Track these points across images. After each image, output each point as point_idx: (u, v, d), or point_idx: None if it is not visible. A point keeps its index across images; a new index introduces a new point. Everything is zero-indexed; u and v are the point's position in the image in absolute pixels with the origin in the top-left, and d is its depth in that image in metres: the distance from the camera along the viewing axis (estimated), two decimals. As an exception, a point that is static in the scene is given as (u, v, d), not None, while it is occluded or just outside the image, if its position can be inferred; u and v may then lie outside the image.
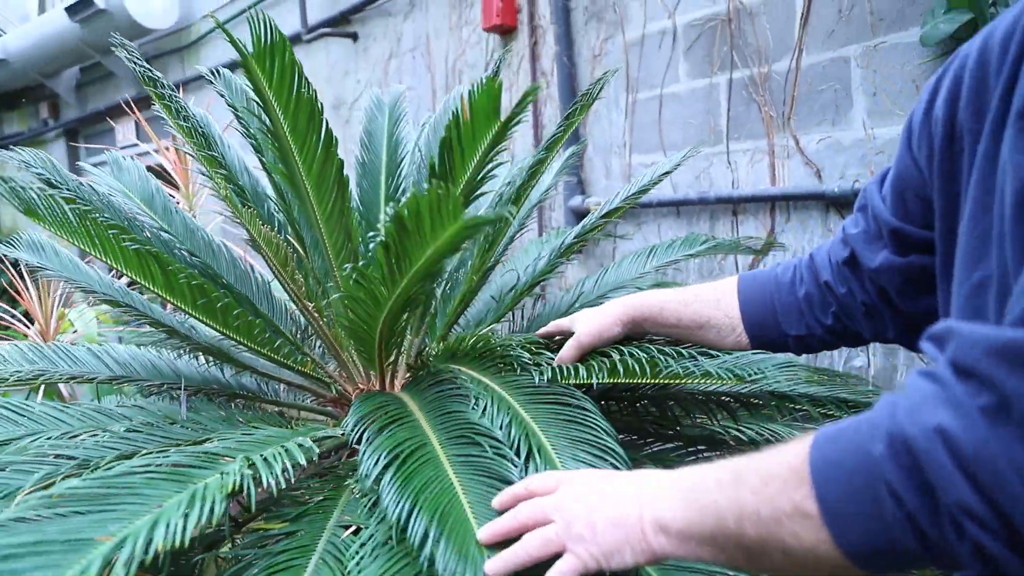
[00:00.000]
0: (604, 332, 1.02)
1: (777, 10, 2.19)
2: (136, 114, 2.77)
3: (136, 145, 6.46)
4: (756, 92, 2.25)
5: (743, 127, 2.29)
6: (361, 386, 1.29)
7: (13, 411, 1.22)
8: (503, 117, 0.99)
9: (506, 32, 3.13)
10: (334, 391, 1.26)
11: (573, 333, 1.04)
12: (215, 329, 1.10)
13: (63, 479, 0.99)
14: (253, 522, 1.09)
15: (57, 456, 1.07)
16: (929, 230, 0.73)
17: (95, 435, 1.13)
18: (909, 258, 0.78)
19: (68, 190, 0.98)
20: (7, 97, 7.49)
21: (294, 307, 1.45)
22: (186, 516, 0.70)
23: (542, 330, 1.13)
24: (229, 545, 1.09)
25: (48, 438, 1.14)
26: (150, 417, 1.22)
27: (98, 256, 0.96)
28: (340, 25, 4.08)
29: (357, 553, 0.84)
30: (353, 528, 0.93)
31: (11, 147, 1.18)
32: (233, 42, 0.98)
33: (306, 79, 0.99)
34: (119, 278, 1.70)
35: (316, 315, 1.26)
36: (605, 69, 2.74)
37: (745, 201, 2.26)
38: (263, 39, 0.94)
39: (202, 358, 1.46)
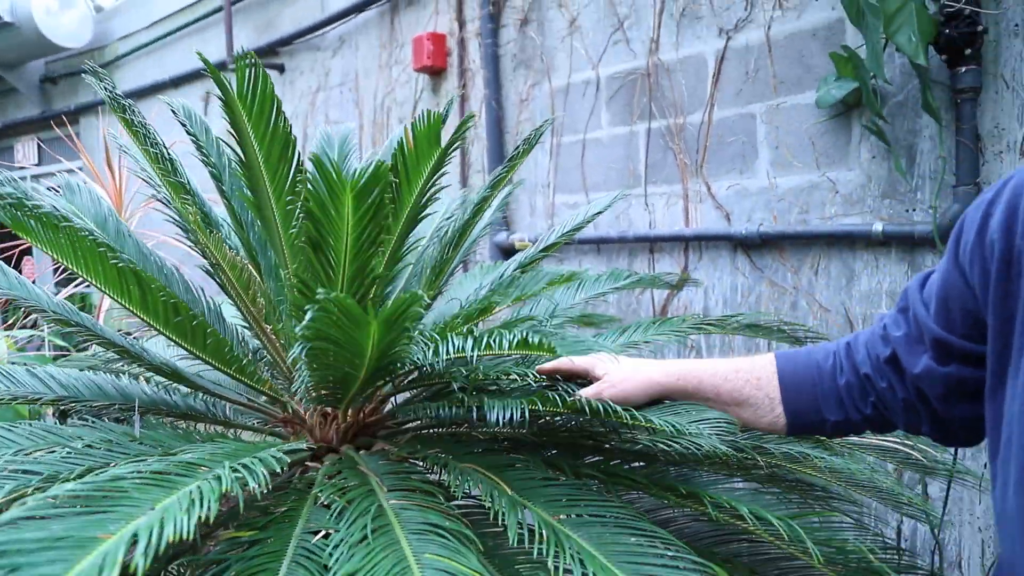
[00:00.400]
0: (630, 397, 0.99)
1: (691, 68, 2.41)
2: (80, 148, 2.71)
3: (37, 165, 6.22)
4: (672, 141, 2.45)
5: (660, 172, 2.49)
6: (313, 407, 1.35)
7: (-43, 430, 1.22)
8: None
9: (436, 73, 3.26)
10: (289, 410, 1.32)
11: (589, 375, 1.02)
12: (184, 348, 1.14)
13: (34, 491, 1.01)
14: (219, 532, 1.13)
15: (15, 471, 1.08)
16: (970, 341, 0.77)
17: (52, 451, 1.14)
18: (950, 367, 0.80)
19: (42, 210, 1.01)
20: None
21: (244, 330, 1.50)
22: (188, 515, 0.76)
23: (551, 364, 1.07)
24: (188, 558, 1.13)
25: (1, 456, 1.15)
26: (103, 436, 1.25)
27: (80, 272, 1.00)
28: (267, 56, 4.12)
29: (333, 553, 0.90)
30: (323, 533, 1.00)
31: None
32: (215, 74, 1.06)
33: (284, 114, 1.07)
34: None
35: (272, 336, 1.32)
36: (531, 113, 2.90)
37: (661, 240, 2.44)
38: (247, 74, 1.02)
39: (143, 380, 1.49)
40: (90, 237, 0.97)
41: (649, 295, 2.47)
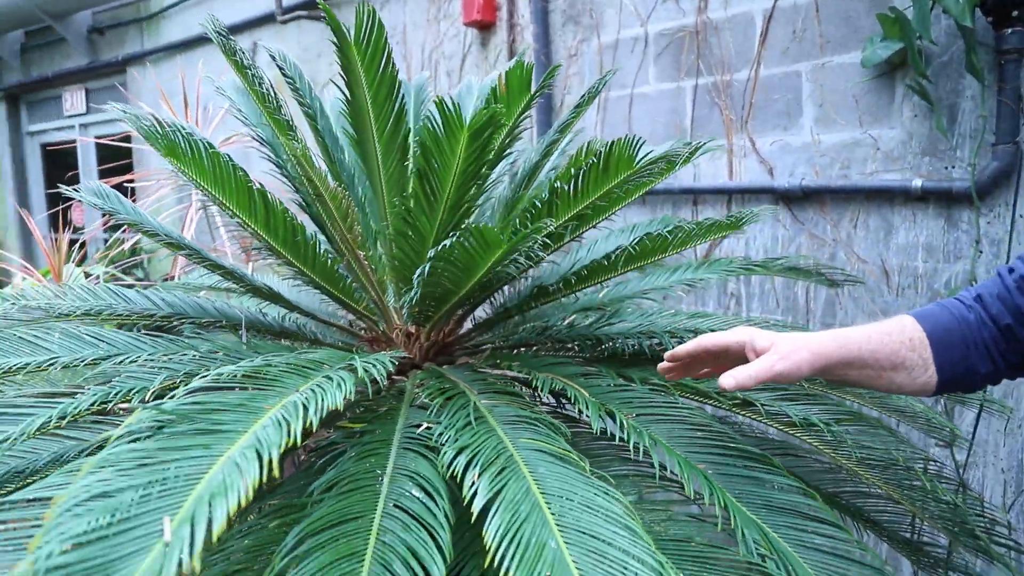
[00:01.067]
0: (802, 369, 0.91)
1: (739, 27, 2.49)
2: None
3: (84, 114, 6.39)
4: (718, 97, 2.54)
5: (705, 127, 2.59)
6: (398, 327, 1.50)
7: (94, 337, 1.39)
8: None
9: (485, 28, 3.34)
10: (379, 328, 1.47)
11: (744, 348, 0.96)
12: (297, 266, 1.29)
13: (180, 382, 1.17)
14: (324, 430, 1.29)
15: (155, 368, 1.25)
16: None
17: (185, 355, 1.31)
18: None
19: (194, 137, 1.15)
20: (-59, 57, 7.24)
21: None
22: (339, 391, 0.91)
23: (693, 344, 0.99)
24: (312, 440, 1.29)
25: (137, 357, 1.31)
26: (220, 344, 1.41)
27: (215, 193, 1.15)
28: (314, 10, 4.21)
29: (441, 436, 1.05)
30: (424, 426, 1.15)
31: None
32: (334, 22, 1.18)
33: (392, 59, 1.20)
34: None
35: (364, 262, 1.46)
36: (580, 68, 3.00)
37: (705, 193, 2.55)
38: (364, 22, 1.14)
39: (234, 308, 1.65)
40: (228, 161, 1.11)
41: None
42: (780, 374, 0.90)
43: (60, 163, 6.87)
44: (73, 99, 6.39)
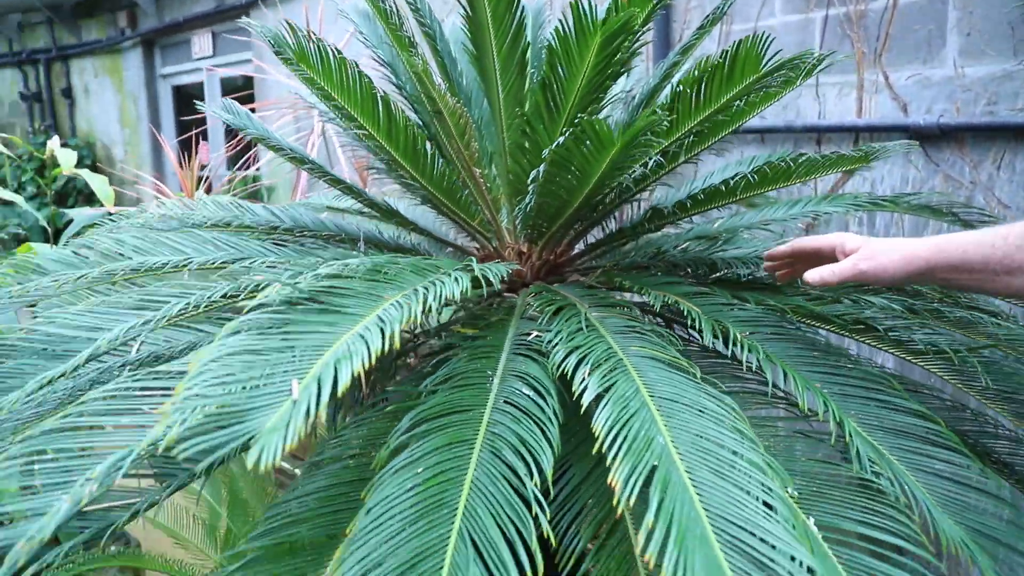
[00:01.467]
0: (888, 270, 0.91)
1: (879, -50, 2.32)
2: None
3: (211, 57, 6.70)
4: (851, 28, 2.39)
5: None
6: (510, 246, 1.52)
7: (223, 242, 1.48)
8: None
9: (603, -39, 3.26)
10: (492, 245, 1.49)
11: (836, 252, 0.99)
12: (416, 178, 1.32)
13: (307, 278, 1.23)
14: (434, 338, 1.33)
15: (285, 269, 1.31)
16: None
17: (308, 260, 1.37)
18: None
19: (323, 45, 1.19)
20: (86, 5, 7.72)
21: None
22: (456, 285, 0.93)
23: (787, 246, 1.07)
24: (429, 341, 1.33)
25: (264, 260, 1.39)
26: (341, 252, 1.47)
27: (341, 99, 1.18)
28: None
29: (554, 339, 1.06)
30: (534, 334, 1.16)
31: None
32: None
33: (514, -30, 1.19)
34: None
35: (480, 180, 1.48)
36: (700, 1, 2.88)
37: (830, 131, 2.42)
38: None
39: (348, 221, 1.71)
40: (355, 67, 1.14)
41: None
42: (864, 273, 0.92)
43: (188, 104, 7.26)
44: (201, 43, 6.70)
